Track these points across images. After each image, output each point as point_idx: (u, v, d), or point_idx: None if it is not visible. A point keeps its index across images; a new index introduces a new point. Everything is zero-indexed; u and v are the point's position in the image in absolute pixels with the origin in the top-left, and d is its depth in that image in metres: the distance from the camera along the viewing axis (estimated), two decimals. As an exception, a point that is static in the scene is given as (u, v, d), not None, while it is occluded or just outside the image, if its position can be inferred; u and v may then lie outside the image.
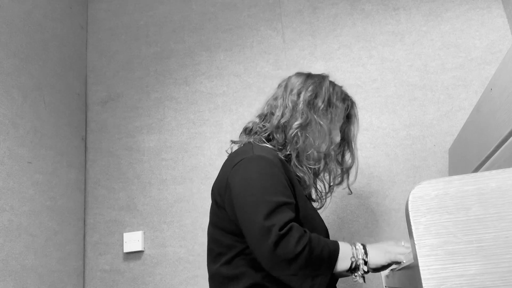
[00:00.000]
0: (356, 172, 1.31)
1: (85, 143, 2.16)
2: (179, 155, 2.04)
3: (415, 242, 0.59)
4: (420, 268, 0.57)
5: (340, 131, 1.28)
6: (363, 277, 1.03)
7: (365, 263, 1.01)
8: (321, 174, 1.29)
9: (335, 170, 1.29)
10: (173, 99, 2.12)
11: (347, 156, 1.32)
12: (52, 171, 1.89)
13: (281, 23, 2.08)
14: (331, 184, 1.31)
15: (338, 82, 1.91)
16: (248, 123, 1.26)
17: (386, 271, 1.47)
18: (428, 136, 1.78)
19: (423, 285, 0.57)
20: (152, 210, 1.99)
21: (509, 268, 0.56)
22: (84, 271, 1.99)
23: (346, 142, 1.31)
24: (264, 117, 1.22)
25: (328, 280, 0.98)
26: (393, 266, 1.12)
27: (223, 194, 1.09)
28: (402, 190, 1.75)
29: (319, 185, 1.32)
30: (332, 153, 1.23)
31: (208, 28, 2.18)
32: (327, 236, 1.20)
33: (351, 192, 1.35)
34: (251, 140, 1.18)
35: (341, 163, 1.31)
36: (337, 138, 1.24)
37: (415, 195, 0.60)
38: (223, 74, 2.09)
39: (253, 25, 2.12)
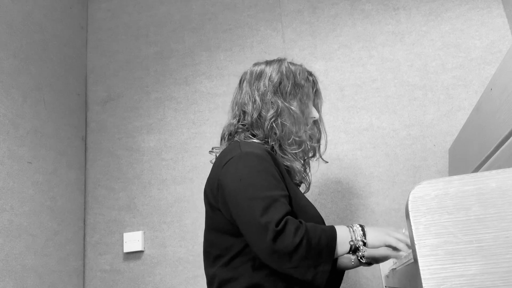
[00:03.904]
0: (326, 143, 1.33)
1: (85, 143, 2.16)
2: (179, 155, 2.04)
3: (415, 242, 0.58)
4: (420, 268, 0.57)
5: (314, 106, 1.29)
6: (368, 263, 1.03)
7: (364, 244, 1.01)
8: (306, 157, 1.28)
9: (309, 147, 1.27)
10: (173, 99, 2.12)
11: (315, 130, 1.32)
12: (52, 171, 1.89)
13: (281, 23, 2.08)
14: (305, 158, 1.29)
15: (338, 82, 1.92)
16: (223, 130, 1.24)
17: (386, 271, 1.47)
18: (428, 136, 1.78)
19: (423, 285, 0.57)
20: (152, 210, 1.99)
21: (509, 268, 0.56)
22: (84, 271, 1.99)
23: (316, 119, 1.30)
24: (238, 117, 1.21)
25: (330, 267, 0.98)
26: (393, 266, 1.12)
27: (216, 195, 1.09)
28: (402, 190, 1.75)
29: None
30: (309, 132, 1.24)
31: (208, 28, 2.18)
32: (323, 223, 1.20)
33: (326, 161, 1.35)
34: (236, 139, 1.17)
35: (310, 137, 1.30)
36: (315, 115, 1.26)
37: (415, 195, 0.60)
38: (223, 74, 2.09)
39: (253, 25, 2.12)
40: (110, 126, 2.16)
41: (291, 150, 1.16)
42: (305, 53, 2.00)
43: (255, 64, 1.27)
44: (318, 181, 1.84)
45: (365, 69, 1.92)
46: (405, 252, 1.00)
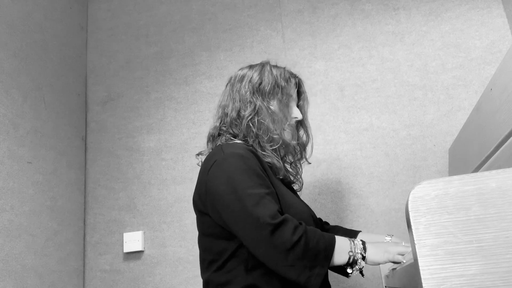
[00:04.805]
0: (312, 147, 1.35)
1: (85, 143, 2.16)
2: (179, 155, 2.04)
3: (415, 242, 0.58)
4: (420, 268, 0.57)
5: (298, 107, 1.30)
6: (361, 272, 1.03)
7: (363, 258, 1.01)
8: (287, 156, 1.30)
9: (293, 147, 1.30)
10: (173, 99, 2.12)
11: (301, 132, 1.34)
12: (52, 171, 1.89)
13: (281, 23, 2.08)
14: (292, 160, 1.32)
15: (338, 82, 1.92)
16: (209, 131, 1.26)
17: (386, 271, 1.47)
18: (428, 136, 1.78)
19: (423, 285, 0.57)
20: (152, 210, 1.99)
21: (509, 268, 0.56)
22: (84, 271, 1.99)
23: (299, 119, 1.31)
24: (221, 119, 1.24)
25: (325, 272, 0.98)
26: (394, 266, 1.12)
27: (205, 200, 1.10)
28: (402, 190, 1.75)
29: (288, 167, 1.33)
30: (289, 131, 1.24)
31: (208, 28, 2.18)
32: (313, 219, 1.21)
33: (310, 162, 1.36)
34: (219, 143, 1.19)
35: (296, 139, 1.32)
36: (297, 115, 1.27)
37: (415, 195, 0.60)
38: (223, 74, 2.09)
39: (253, 25, 2.12)
40: (110, 126, 2.16)
41: (270, 146, 1.17)
42: (305, 53, 2.00)
43: (240, 69, 1.31)
44: (318, 181, 1.84)
45: (365, 69, 1.92)
46: (405, 261, 1.00)
